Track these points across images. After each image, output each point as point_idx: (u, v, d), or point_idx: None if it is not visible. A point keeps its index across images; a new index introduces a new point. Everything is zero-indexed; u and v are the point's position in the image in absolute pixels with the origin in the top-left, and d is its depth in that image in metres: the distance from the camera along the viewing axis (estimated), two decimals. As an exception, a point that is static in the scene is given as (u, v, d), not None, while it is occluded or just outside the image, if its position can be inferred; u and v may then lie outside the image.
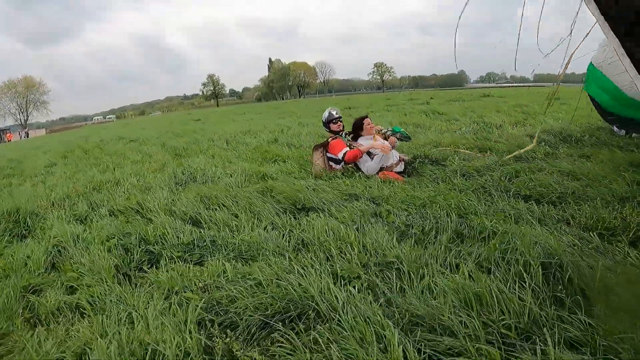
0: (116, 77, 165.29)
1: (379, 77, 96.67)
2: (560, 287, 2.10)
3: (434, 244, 2.68)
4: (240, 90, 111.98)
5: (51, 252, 3.31)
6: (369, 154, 4.79)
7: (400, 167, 4.90)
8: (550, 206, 3.34)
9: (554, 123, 7.80)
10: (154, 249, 2.96)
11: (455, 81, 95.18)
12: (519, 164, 4.70)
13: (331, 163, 5.01)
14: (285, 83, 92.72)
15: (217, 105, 79.39)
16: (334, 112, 5.26)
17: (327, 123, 5.28)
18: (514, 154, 5.21)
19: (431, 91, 51.12)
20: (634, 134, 6.11)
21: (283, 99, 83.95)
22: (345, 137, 5.13)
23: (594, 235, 2.70)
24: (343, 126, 5.27)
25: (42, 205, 4.94)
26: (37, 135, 47.84)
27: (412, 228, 2.93)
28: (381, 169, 4.75)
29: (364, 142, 4.88)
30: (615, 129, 6.58)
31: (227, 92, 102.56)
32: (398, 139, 5.14)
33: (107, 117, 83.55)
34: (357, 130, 4.98)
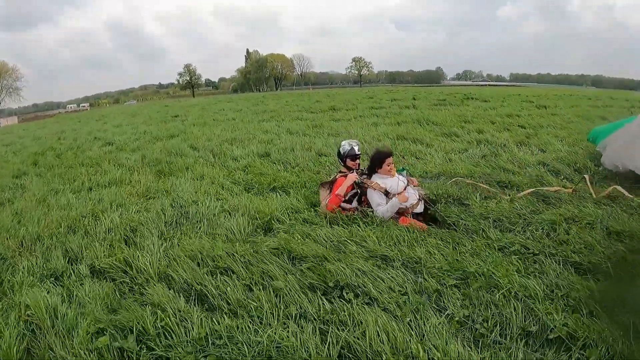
0: (90, 64, 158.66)
1: (356, 72, 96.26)
2: None
3: (507, 350, 2.21)
4: (217, 80, 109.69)
5: (25, 335, 2.68)
6: (386, 193, 4.25)
7: (420, 207, 4.39)
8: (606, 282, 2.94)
9: (561, 147, 7.47)
10: (158, 348, 2.35)
11: (432, 78, 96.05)
12: (550, 210, 4.30)
13: (342, 205, 4.45)
14: (262, 74, 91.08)
15: (193, 96, 77.22)
16: (356, 148, 4.66)
17: (344, 157, 4.69)
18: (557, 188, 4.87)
19: (410, 87, 51.30)
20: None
21: (260, 90, 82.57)
22: (355, 172, 4.57)
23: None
24: (359, 164, 4.70)
25: (10, 247, 4.22)
26: (9, 124, 45.10)
27: (474, 322, 2.44)
28: (399, 211, 4.23)
29: (379, 181, 4.34)
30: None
31: (203, 81, 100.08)
32: None
33: (81, 105, 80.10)
34: (375, 166, 4.42)
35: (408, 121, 11.64)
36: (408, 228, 3.89)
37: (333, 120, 13.30)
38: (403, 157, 6.93)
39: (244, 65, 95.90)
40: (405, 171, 4.76)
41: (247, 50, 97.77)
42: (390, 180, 4.33)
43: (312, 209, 4.54)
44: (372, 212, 4.22)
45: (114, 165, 8.04)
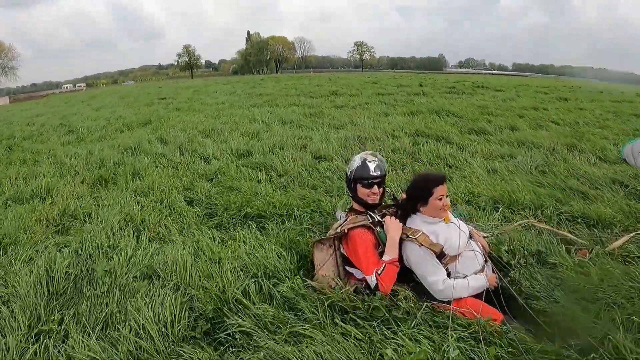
0: (90, 44, 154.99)
1: (358, 57, 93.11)
2: None
3: None
4: (217, 62, 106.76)
5: None
6: (440, 256, 2.36)
7: (487, 273, 2.52)
8: None
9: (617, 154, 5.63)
10: None
11: (434, 64, 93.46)
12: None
13: (351, 270, 2.53)
14: (263, 57, 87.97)
15: (192, 77, 74.48)
16: (371, 165, 2.56)
17: (353, 181, 2.61)
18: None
19: (413, 73, 48.80)
20: None
21: (260, 73, 79.90)
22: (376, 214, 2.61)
23: None
24: (383, 193, 2.66)
25: None
26: None
27: None
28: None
29: (424, 228, 2.45)
30: None
31: (203, 63, 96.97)
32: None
33: (77, 85, 77.33)
34: (418, 201, 2.47)
35: (423, 111, 9.68)
36: (473, 328, 2.04)
37: (335, 107, 11.34)
38: (431, 166, 5.04)
39: (244, 47, 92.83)
40: (461, 215, 2.87)
41: (248, 32, 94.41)
42: (444, 228, 2.44)
43: (300, 271, 2.67)
44: (407, 289, 2.35)
45: (54, 164, 6.12)
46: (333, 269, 2.52)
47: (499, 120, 8.39)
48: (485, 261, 2.52)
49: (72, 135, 9.24)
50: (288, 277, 2.58)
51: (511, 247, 2.75)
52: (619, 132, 7.52)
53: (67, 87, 73.52)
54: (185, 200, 4.28)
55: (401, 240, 2.43)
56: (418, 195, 2.43)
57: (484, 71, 79.23)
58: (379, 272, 2.30)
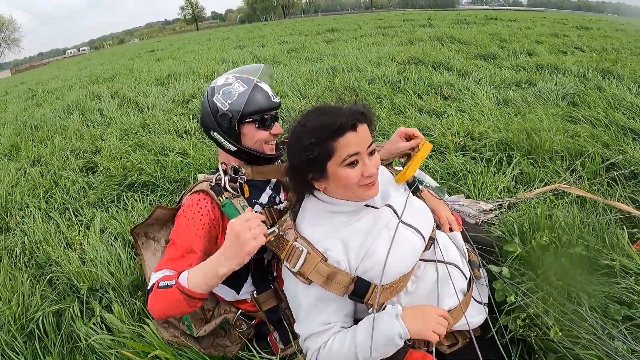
0: (94, 5, 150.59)
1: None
2: None
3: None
4: (224, 12, 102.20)
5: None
6: (360, 288, 0.98)
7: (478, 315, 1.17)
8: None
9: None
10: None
11: (446, 2, 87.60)
12: None
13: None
14: (270, 3, 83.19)
15: (197, 29, 71.18)
16: (266, 87, 1.27)
17: (238, 119, 1.20)
18: None
19: (424, 12, 45.02)
20: None
21: (267, 20, 76.04)
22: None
23: None
24: (280, 147, 1.32)
25: None
26: (1, 78, 41.74)
27: None
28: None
29: (323, 231, 1.02)
30: None
31: (210, 15, 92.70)
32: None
33: (81, 49, 75.70)
34: (309, 171, 1.00)
35: (424, 39, 7.99)
36: None
37: (325, 41, 9.71)
38: (419, 98, 3.59)
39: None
40: (423, 183, 1.50)
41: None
42: (367, 224, 1.02)
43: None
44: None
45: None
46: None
47: (514, 45, 6.70)
48: (471, 280, 1.18)
49: (33, 100, 8.02)
50: (121, 300, 1.37)
51: (537, 239, 1.40)
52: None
53: (70, 53, 71.74)
54: (86, 167, 3.11)
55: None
56: (306, 159, 0.96)
57: (498, 7, 73.99)
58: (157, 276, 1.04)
